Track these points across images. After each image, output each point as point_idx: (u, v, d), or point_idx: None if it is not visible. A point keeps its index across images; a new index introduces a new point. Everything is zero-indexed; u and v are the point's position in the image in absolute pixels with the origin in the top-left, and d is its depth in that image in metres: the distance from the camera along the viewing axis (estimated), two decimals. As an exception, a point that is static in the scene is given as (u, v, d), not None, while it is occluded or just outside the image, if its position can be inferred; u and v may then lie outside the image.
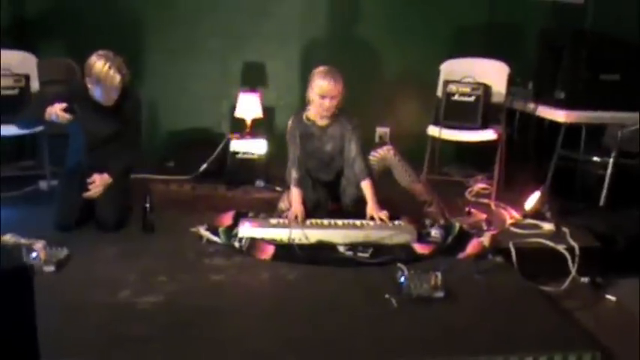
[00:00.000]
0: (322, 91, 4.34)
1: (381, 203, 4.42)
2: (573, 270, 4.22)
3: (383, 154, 4.60)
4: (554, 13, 6.10)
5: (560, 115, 5.21)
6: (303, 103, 5.66)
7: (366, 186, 4.42)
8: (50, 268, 3.53)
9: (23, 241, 3.70)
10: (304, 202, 4.38)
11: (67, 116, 4.06)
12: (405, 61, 6.05)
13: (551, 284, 4.15)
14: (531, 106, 5.48)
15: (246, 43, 5.90)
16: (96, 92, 4.20)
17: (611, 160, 5.28)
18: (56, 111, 4.05)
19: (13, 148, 5.39)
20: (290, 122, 4.60)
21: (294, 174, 4.45)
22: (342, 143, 4.52)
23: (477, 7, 6.08)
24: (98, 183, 4.25)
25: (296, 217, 4.26)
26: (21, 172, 5.20)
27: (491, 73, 5.50)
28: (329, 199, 4.63)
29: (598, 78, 5.23)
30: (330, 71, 4.39)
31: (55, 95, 4.28)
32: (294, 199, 4.39)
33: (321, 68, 4.43)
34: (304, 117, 4.54)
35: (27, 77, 4.96)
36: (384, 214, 4.31)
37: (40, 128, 4.79)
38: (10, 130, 4.66)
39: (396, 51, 6.06)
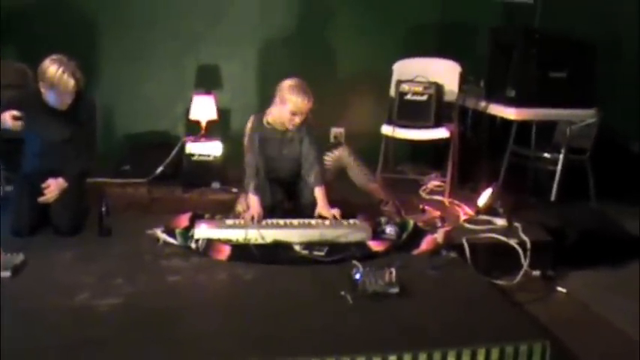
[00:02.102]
0: (297, 108, 4.35)
1: (336, 202, 4.48)
2: (525, 264, 4.32)
3: (338, 154, 4.67)
4: (504, 12, 6.20)
5: (511, 113, 5.31)
6: (260, 104, 5.72)
7: (318, 192, 4.48)
8: (6, 274, 3.51)
9: (-23, 247, 3.68)
10: (262, 206, 4.41)
11: (17, 124, 4.07)
12: (358, 61, 6.10)
13: (504, 278, 4.26)
14: (483, 104, 5.57)
15: (201, 45, 5.90)
16: (50, 97, 4.18)
17: (561, 156, 5.40)
18: (6, 119, 4.05)
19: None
20: (249, 125, 4.58)
21: (252, 182, 4.45)
22: (300, 147, 4.56)
23: (428, 7, 6.16)
24: (53, 187, 4.24)
25: (253, 218, 4.29)
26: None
27: (444, 72, 5.57)
28: (286, 199, 4.68)
29: (547, 76, 5.33)
30: (303, 87, 4.37)
31: (8, 101, 4.26)
32: (252, 203, 4.40)
33: (291, 82, 4.40)
34: (264, 121, 4.54)
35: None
36: (335, 212, 4.37)
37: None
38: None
39: (349, 51, 6.11)
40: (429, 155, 6.03)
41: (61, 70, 4.09)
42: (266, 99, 5.73)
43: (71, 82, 4.13)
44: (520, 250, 4.37)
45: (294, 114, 4.37)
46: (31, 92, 4.32)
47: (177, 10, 5.80)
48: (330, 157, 4.66)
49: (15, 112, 4.07)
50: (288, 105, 4.36)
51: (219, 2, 5.88)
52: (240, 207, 4.60)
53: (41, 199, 4.22)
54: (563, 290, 4.32)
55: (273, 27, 6.00)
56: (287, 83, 4.42)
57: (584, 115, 5.42)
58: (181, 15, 5.82)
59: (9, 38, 5.53)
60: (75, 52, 4.37)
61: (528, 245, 4.38)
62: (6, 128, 4.14)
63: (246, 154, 4.56)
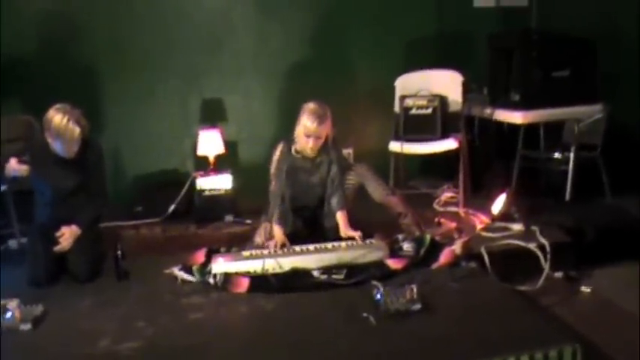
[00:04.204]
0: (307, 130, 4.39)
1: (355, 223, 4.49)
2: (546, 267, 4.29)
3: (357, 171, 4.70)
4: (499, 17, 6.20)
5: (517, 117, 5.30)
6: (266, 133, 5.73)
7: (340, 216, 4.50)
8: (27, 326, 3.49)
9: (-4, 302, 3.67)
10: (285, 235, 4.43)
11: (23, 167, 4.10)
12: (360, 81, 6.10)
13: (527, 283, 4.22)
14: (488, 111, 5.56)
15: (203, 80, 5.92)
16: (56, 146, 4.20)
17: (571, 155, 5.37)
18: (12, 166, 4.08)
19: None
20: (278, 153, 4.59)
21: (277, 211, 4.47)
22: (327, 172, 4.59)
23: (423, 21, 6.16)
24: (67, 235, 4.24)
25: (276, 247, 4.31)
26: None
27: (446, 83, 5.58)
28: (305, 227, 4.68)
29: (549, 76, 5.33)
30: (317, 111, 4.38)
31: (16, 153, 4.28)
32: (276, 233, 4.43)
33: (310, 105, 4.42)
34: (293, 149, 4.55)
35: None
36: (356, 234, 4.37)
37: (3, 187, 4.80)
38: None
39: (350, 73, 6.11)
40: (440, 167, 5.99)
41: (65, 118, 4.11)
42: (272, 128, 5.78)
43: (76, 130, 4.15)
44: (540, 254, 4.34)
45: (306, 136, 4.39)
46: (38, 143, 4.34)
47: (176, 47, 5.82)
48: (351, 176, 4.67)
49: (19, 157, 4.10)
50: (301, 127, 4.41)
51: (218, 35, 5.90)
52: (259, 239, 4.61)
53: (56, 248, 4.21)
54: (588, 289, 4.28)
55: (273, 55, 6.00)
56: (304, 106, 4.45)
57: (591, 112, 5.39)
58: (181, 51, 5.84)
59: (12, 91, 5.56)
60: (78, 98, 4.41)
61: (548, 248, 4.35)
62: (15, 175, 4.18)
63: (271, 182, 4.58)
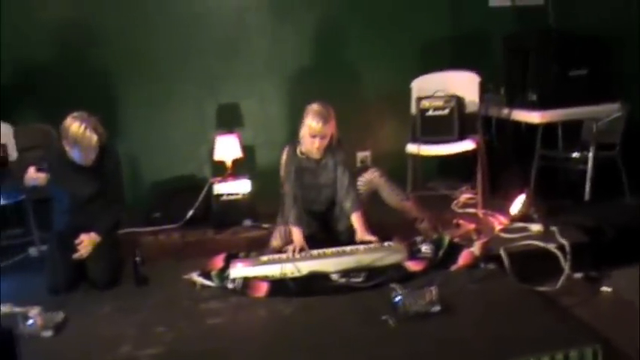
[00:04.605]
0: (312, 131, 4.39)
1: (372, 228, 4.47)
2: (566, 267, 4.25)
3: (369, 177, 4.67)
4: (515, 16, 6.17)
5: (534, 117, 5.27)
6: (283, 137, 5.72)
7: (355, 218, 4.48)
8: (48, 333, 3.53)
9: (18, 309, 3.69)
10: (304, 236, 4.43)
11: (42, 176, 4.13)
12: (377, 83, 6.08)
13: (547, 284, 4.18)
14: (506, 111, 5.53)
15: (219, 85, 5.93)
16: (74, 154, 4.22)
17: (590, 155, 5.34)
18: (31, 175, 4.11)
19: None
20: (284, 157, 4.62)
21: (292, 213, 4.48)
22: (334, 174, 4.57)
23: (439, 22, 6.14)
24: (86, 243, 4.26)
25: (295, 251, 4.31)
26: (9, 241, 5.19)
27: (463, 84, 5.54)
28: (320, 230, 4.68)
29: (567, 75, 5.29)
30: (321, 111, 4.39)
31: (33, 162, 4.31)
32: (295, 236, 4.43)
33: (314, 106, 4.42)
34: (298, 151, 4.56)
35: (4, 147, 4.94)
36: (373, 239, 4.36)
37: (22, 196, 4.83)
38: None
39: (365, 75, 6.10)
40: (458, 168, 5.96)
41: (83, 126, 4.13)
42: (288, 132, 5.78)
43: (94, 138, 4.17)
44: (559, 254, 4.31)
45: (312, 137, 4.40)
46: (56, 151, 4.37)
47: (191, 52, 5.83)
48: (362, 181, 4.65)
49: (36, 167, 4.13)
50: (305, 128, 4.41)
51: (232, 40, 5.91)
52: (275, 242, 4.61)
53: (75, 255, 4.24)
54: (609, 289, 4.24)
55: (288, 59, 6.00)
56: (308, 107, 4.45)
57: (609, 110, 5.35)
58: (196, 57, 5.85)
59: (29, 100, 5.60)
60: (95, 105, 4.44)
61: (567, 248, 4.32)
62: (34, 184, 4.21)
63: (283, 185, 4.58)
